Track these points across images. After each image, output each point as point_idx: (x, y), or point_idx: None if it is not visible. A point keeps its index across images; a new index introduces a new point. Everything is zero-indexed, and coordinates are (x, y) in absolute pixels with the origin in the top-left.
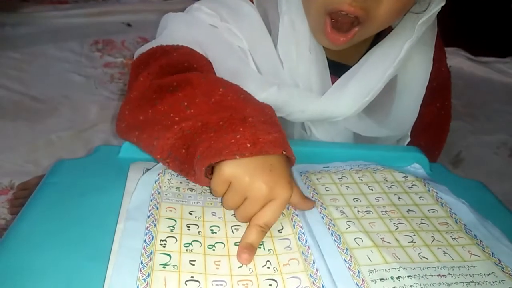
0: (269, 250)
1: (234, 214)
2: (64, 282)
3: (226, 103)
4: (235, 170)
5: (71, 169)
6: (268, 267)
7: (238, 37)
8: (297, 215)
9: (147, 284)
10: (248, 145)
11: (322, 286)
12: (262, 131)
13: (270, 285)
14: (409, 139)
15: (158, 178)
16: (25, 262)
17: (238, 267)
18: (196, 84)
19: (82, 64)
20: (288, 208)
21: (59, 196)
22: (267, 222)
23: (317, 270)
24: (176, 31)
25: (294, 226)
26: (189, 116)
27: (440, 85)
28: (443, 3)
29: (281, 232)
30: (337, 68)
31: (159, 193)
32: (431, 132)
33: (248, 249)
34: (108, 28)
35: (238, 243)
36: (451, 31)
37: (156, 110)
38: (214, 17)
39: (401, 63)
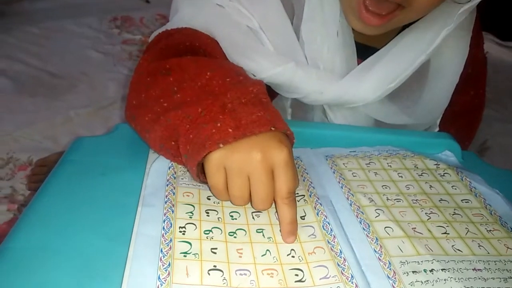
0: None
1: (256, 211)
2: (83, 262)
3: (209, 88)
4: (223, 155)
5: (90, 147)
6: (293, 256)
7: (247, 17)
8: (321, 204)
9: (168, 274)
10: (230, 130)
11: (351, 276)
12: (244, 113)
13: (296, 274)
14: (437, 129)
15: (172, 164)
16: (44, 241)
17: (262, 255)
18: (186, 68)
19: (101, 40)
20: (310, 196)
21: (79, 174)
22: (289, 189)
23: (344, 259)
24: (183, 15)
25: (317, 215)
26: (176, 102)
27: (475, 72)
28: None
29: (304, 219)
30: (365, 50)
31: (174, 178)
32: (462, 121)
33: (291, 230)
34: (126, 4)
35: (259, 230)
36: (479, 14)
37: (148, 95)
38: None
39: (435, 50)
